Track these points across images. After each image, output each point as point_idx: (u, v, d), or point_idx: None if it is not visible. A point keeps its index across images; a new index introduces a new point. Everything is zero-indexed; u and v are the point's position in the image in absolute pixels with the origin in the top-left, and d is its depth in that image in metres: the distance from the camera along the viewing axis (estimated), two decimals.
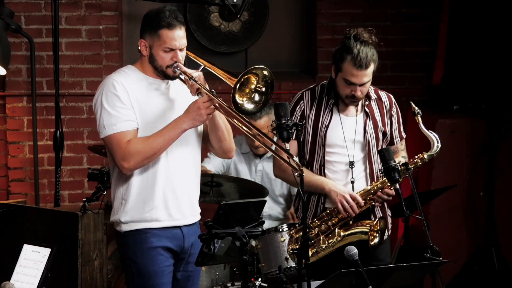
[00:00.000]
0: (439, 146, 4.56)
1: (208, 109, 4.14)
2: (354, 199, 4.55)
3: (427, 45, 6.97)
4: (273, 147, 4.52)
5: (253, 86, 4.12)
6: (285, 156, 4.08)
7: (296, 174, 4.02)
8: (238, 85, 4.04)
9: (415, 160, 4.58)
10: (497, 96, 6.48)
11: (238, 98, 4.07)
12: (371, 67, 4.54)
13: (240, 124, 4.18)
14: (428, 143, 4.65)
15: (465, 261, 6.46)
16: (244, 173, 5.86)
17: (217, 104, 4.16)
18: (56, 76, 6.13)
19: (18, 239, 4.60)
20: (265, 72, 4.11)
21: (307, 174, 4.54)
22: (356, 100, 4.61)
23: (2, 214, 4.28)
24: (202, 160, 4.49)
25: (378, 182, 4.58)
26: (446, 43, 6.79)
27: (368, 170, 4.68)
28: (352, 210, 4.53)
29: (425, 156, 4.58)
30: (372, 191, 4.57)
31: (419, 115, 4.57)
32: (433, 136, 4.56)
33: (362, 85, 4.56)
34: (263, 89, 4.12)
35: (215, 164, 5.84)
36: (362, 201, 4.56)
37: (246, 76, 4.07)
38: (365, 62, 4.49)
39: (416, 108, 4.57)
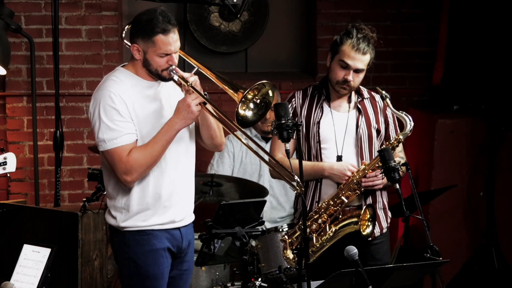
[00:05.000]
0: (412, 124, 4.60)
1: (198, 106, 4.12)
2: (351, 171, 4.62)
3: (427, 45, 6.97)
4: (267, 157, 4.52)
5: (250, 97, 4.09)
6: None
7: (295, 192, 4.12)
8: (243, 99, 4.02)
9: (391, 142, 4.61)
10: (497, 96, 6.48)
11: (240, 110, 4.05)
12: (368, 57, 4.61)
13: (231, 131, 4.19)
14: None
15: (465, 261, 6.45)
16: (252, 161, 5.89)
17: (211, 109, 4.15)
18: (56, 76, 6.13)
19: (18, 239, 4.60)
20: (269, 91, 4.08)
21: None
22: (347, 88, 4.64)
23: (2, 214, 4.28)
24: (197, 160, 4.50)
25: (360, 171, 4.59)
26: (446, 43, 6.79)
27: (360, 166, 4.69)
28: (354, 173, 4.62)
29: (401, 136, 4.61)
30: (354, 181, 4.59)
31: (387, 98, 4.63)
32: (405, 116, 4.60)
33: (355, 71, 4.60)
34: (258, 101, 4.08)
35: (224, 171, 5.89)
36: (354, 169, 4.62)
37: (250, 91, 4.05)
38: (363, 47, 4.59)
39: (383, 92, 4.65)
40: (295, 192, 4.11)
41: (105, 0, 6.58)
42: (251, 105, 4.08)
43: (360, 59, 4.60)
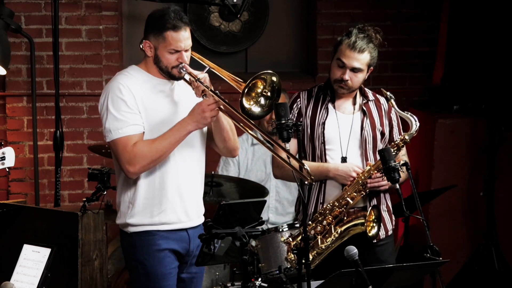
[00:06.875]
0: (417, 124, 4.60)
1: (212, 112, 4.13)
2: (357, 172, 4.61)
3: (427, 45, 6.97)
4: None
5: (259, 90, 4.10)
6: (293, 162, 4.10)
7: (306, 182, 4.08)
8: (246, 89, 4.03)
9: (397, 142, 4.61)
10: (497, 96, 6.48)
11: (245, 103, 4.06)
12: (365, 55, 4.60)
13: (246, 128, 4.19)
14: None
15: (465, 261, 6.45)
16: (258, 168, 5.89)
17: (222, 106, 4.16)
18: (56, 76, 6.13)
19: (18, 239, 4.60)
20: (274, 78, 4.09)
21: (307, 163, 4.59)
22: (345, 87, 4.63)
23: (2, 214, 4.28)
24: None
25: (365, 172, 4.59)
26: (446, 43, 6.79)
27: (365, 167, 4.68)
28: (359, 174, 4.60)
29: (406, 136, 4.60)
30: (360, 182, 4.58)
31: (392, 99, 4.63)
32: (410, 116, 4.60)
33: (352, 70, 4.60)
34: (269, 93, 4.10)
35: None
36: (360, 170, 4.60)
37: (254, 81, 4.06)
38: (360, 46, 4.58)
39: (388, 93, 4.64)
40: (306, 182, 4.09)
41: (105, 0, 6.59)
42: (262, 98, 4.10)
43: (356, 57, 4.59)
